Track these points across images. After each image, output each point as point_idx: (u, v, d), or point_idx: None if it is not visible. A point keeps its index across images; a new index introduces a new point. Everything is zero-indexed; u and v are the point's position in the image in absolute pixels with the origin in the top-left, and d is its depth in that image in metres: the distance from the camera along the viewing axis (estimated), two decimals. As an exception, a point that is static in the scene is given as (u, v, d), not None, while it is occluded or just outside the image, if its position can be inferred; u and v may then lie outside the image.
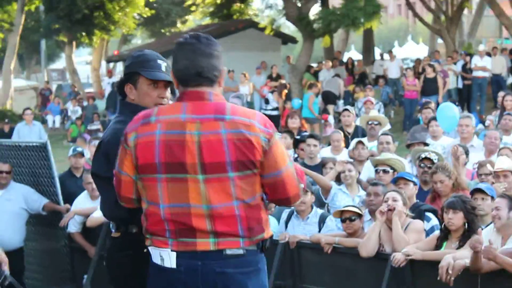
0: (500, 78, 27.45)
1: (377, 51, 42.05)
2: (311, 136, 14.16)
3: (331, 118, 25.72)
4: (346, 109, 18.03)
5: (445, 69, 28.42)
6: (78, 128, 31.22)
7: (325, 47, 38.68)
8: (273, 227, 10.30)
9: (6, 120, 29.82)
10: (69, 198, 12.42)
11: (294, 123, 17.45)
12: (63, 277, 12.87)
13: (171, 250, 4.86)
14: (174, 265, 4.86)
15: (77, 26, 39.64)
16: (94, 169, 5.82)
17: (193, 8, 45.39)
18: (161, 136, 4.68)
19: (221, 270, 4.77)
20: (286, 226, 10.25)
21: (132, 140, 4.75)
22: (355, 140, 13.90)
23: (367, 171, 12.18)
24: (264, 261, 5.10)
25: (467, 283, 8.22)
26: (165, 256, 4.89)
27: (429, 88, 26.16)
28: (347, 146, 14.27)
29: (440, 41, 38.20)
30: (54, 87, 45.58)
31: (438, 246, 8.86)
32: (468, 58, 29.54)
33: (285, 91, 28.04)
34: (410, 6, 40.18)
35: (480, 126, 19.79)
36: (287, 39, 40.19)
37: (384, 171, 10.90)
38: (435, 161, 11.08)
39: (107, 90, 39.48)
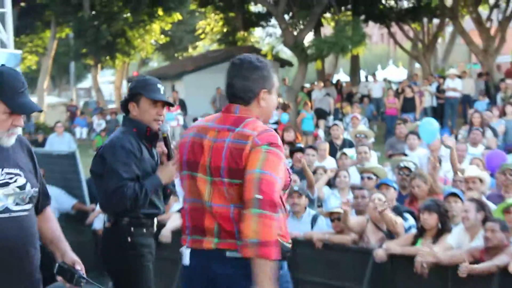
0: (469, 98, 27.49)
1: (362, 74, 42.04)
2: (311, 147, 14.48)
3: (321, 132, 25.81)
4: (335, 124, 18.25)
5: (421, 90, 28.49)
6: (102, 139, 31.11)
7: (317, 70, 38.76)
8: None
9: (40, 132, 29.84)
10: (95, 200, 12.46)
11: (289, 136, 17.52)
12: (88, 267, 12.90)
13: (186, 247, 4.75)
14: (187, 263, 4.76)
15: (102, 51, 39.59)
16: (92, 168, 5.92)
17: (202, 36, 45.41)
18: (191, 137, 4.68)
19: (223, 272, 4.61)
20: (283, 225, 10.24)
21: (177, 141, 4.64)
22: (340, 151, 13.99)
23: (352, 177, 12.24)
24: None
25: (439, 276, 8.24)
26: (184, 253, 4.76)
27: (408, 106, 26.24)
28: (334, 155, 14.24)
29: (417, 65, 38.12)
30: (81, 103, 45.63)
31: (413, 243, 8.90)
32: (441, 80, 29.51)
33: (289, 109, 28.43)
34: (391, 35, 40.34)
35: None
36: (284, 63, 40.17)
37: (369, 178, 10.96)
38: (413, 169, 11.16)
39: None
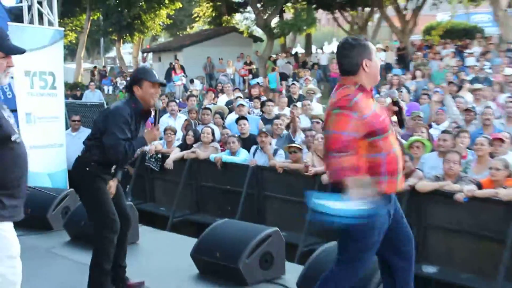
0: (390, 65, 27.35)
1: (313, 48, 41.83)
2: (270, 100, 14.28)
3: (283, 90, 25.84)
4: (293, 83, 18.31)
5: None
6: (123, 94, 30.96)
7: (281, 44, 38.55)
8: (246, 156, 10.34)
9: (78, 89, 29.64)
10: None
11: (255, 91, 17.67)
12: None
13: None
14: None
15: (123, 30, 39.66)
16: (97, 119, 5.99)
17: (197, 19, 45.22)
18: None
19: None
20: (254, 156, 10.22)
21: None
22: (292, 104, 13.94)
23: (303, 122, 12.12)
24: None
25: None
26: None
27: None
28: (289, 106, 14.11)
29: (353, 41, 37.93)
30: (108, 68, 45.40)
31: None
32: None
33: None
34: (335, 19, 40.18)
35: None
36: (257, 39, 39.91)
37: (317, 122, 10.68)
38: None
39: (142, 71, 39.56)
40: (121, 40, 43.38)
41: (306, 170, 9.19)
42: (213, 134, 11.16)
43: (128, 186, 11.38)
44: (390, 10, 34.36)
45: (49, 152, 9.67)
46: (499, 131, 9.33)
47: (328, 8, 38.03)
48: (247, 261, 5.94)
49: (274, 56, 34.10)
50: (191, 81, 28.68)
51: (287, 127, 11.51)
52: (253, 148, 10.36)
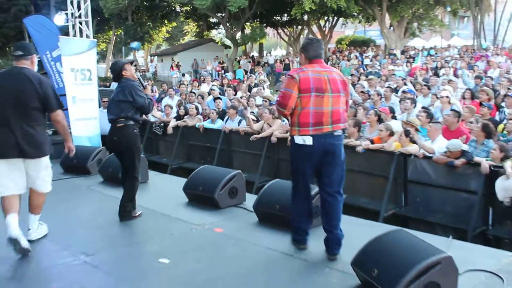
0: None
1: (264, 52, 41.57)
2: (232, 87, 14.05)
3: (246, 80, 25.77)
4: (251, 76, 18.16)
5: (293, 59, 28.17)
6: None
7: (243, 50, 38.22)
8: (220, 124, 10.25)
9: (107, 81, 29.07)
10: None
11: (225, 82, 17.52)
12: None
13: (310, 135, 4.17)
14: (310, 143, 4.17)
15: (138, 41, 39.00)
16: (118, 98, 5.49)
17: (187, 33, 44.90)
18: (311, 75, 4.16)
19: (332, 142, 4.21)
20: (225, 123, 10.13)
21: (297, 76, 4.16)
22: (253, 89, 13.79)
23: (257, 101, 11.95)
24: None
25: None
26: (306, 139, 4.16)
27: (286, 67, 26.08)
28: (250, 91, 14.03)
29: (290, 49, 37.71)
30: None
31: None
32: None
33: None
34: (278, 33, 39.87)
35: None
36: (227, 47, 39.47)
37: (265, 101, 10.34)
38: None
39: (151, 69, 38.96)
40: (136, 48, 42.97)
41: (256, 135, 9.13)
42: (197, 109, 11.06)
43: (140, 145, 11.23)
44: (314, 28, 34.27)
45: (88, 123, 9.54)
46: (383, 106, 9.40)
47: (274, 26, 37.78)
48: (220, 192, 5.91)
49: (238, 58, 33.88)
50: (183, 75, 28.63)
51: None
52: (225, 117, 10.27)
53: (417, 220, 6.72)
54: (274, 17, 36.17)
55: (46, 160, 4.70)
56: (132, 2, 33.07)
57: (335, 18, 32.88)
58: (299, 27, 36.55)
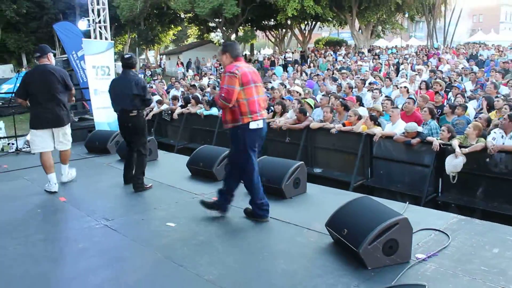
0: (297, 61, 27.04)
1: (255, 51, 41.17)
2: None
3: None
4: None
5: (279, 57, 27.93)
6: (149, 78, 30.05)
7: (237, 50, 37.66)
8: (215, 111, 10.08)
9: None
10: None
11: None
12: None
13: (261, 120, 4.09)
14: (262, 126, 4.11)
15: (149, 43, 38.82)
16: (128, 91, 5.43)
17: (190, 35, 44.32)
18: (247, 70, 4.06)
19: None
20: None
21: (238, 72, 3.99)
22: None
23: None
24: None
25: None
26: (259, 123, 4.07)
27: (272, 63, 25.84)
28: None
29: (276, 48, 37.34)
30: (140, 64, 44.04)
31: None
32: (286, 54, 29.11)
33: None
34: (266, 35, 39.32)
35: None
36: (223, 47, 39.15)
37: None
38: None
39: (161, 66, 38.57)
40: (148, 49, 42.38)
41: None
42: (197, 98, 10.96)
43: (152, 129, 11.18)
44: (296, 31, 33.98)
45: (107, 111, 9.33)
46: (354, 95, 9.37)
47: (263, 29, 37.33)
48: (218, 167, 5.87)
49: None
50: (187, 70, 28.26)
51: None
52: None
53: (381, 189, 6.73)
54: (263, 22, 35.76)
55: (66, 127, 5.58)
56: (144, 10, 32.44)
57: (313, 22, 32.57)
58: (284, 30, 36.22)
